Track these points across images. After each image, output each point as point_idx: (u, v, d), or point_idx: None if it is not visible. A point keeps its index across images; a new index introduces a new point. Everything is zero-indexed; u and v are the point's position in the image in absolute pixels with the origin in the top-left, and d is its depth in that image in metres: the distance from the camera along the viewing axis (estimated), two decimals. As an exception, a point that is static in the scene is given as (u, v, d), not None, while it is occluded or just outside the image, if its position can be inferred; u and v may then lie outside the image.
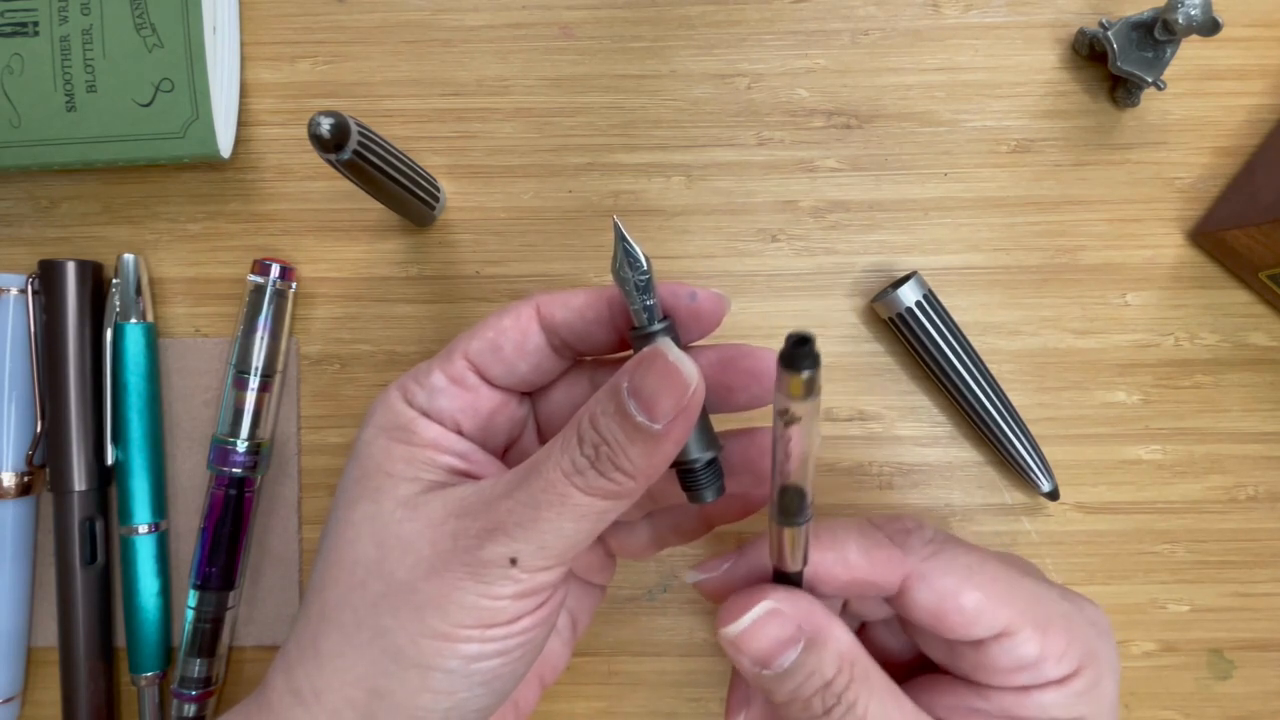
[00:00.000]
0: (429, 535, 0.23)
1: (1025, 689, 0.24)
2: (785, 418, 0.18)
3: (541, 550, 0.22)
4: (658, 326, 0.23)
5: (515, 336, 0.25)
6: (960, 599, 0.24)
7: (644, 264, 0.23)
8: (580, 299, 0.25)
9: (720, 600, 0.26)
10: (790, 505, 0.21)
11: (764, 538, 0.26)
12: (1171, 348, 0.36)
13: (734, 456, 0.26)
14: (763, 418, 0.30)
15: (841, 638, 0.23)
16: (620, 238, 0.23)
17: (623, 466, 0.21)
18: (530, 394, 0.28)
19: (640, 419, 0.21)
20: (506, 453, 0.27)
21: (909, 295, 0.34)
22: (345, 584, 0.23)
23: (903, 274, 0.35)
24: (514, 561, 0.22)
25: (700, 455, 0.24)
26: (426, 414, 0.25)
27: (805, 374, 0.17)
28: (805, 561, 0.23)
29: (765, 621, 0.23)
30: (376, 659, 0.22)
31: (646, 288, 0.23)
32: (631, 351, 0.23)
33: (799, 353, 0.17)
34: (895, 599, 0.25)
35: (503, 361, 0.25)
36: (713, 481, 0.24)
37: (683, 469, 0.24)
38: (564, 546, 0.22)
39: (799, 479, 0.20)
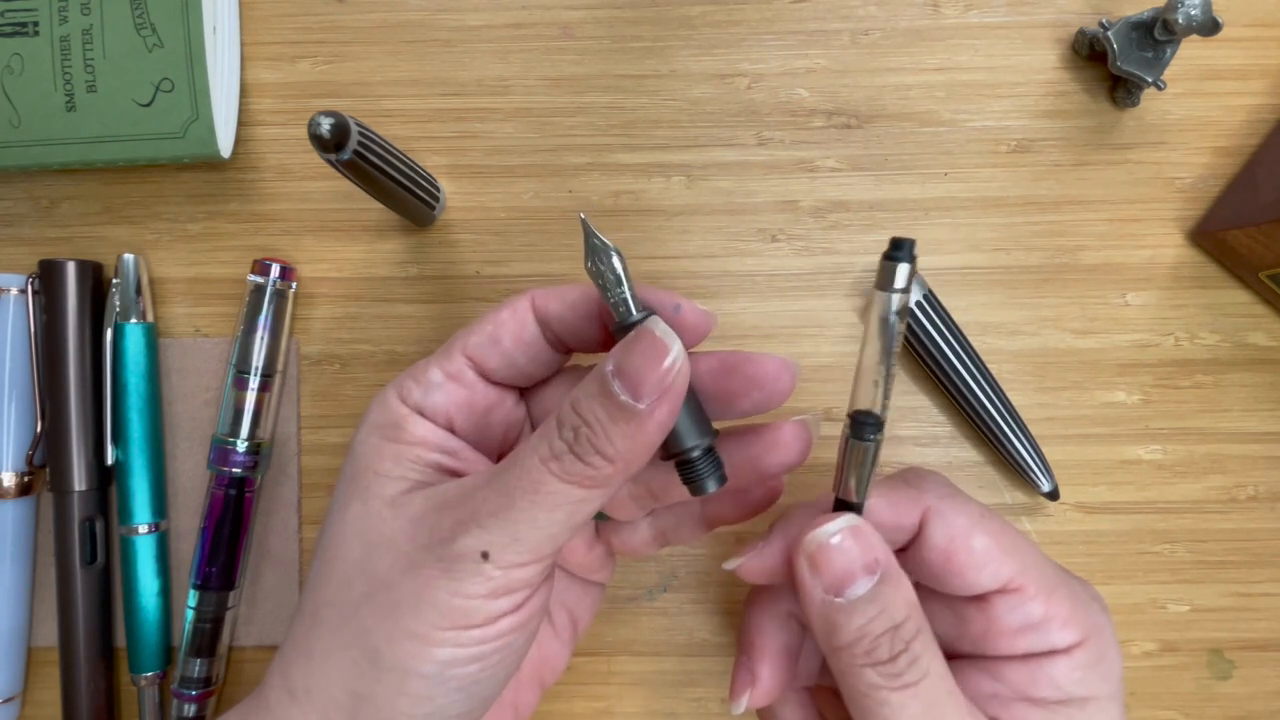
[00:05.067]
0: (409, 531, 0.23)
1: (1034, 658, 0.24)
2: (892, 310, 0.22)
3: (515, 542, 0.22)
4: (637, 317, 0.23)
5: (513, 328, 0.25)
6: (970, 540, 0.24)
7: (612, 256, 0.23)
8: (573, 293, 0.25)
9: (764, 581, 0.26)
10: (865, 419, 0.23)
11: (791, 513, 0.27)
12: (1171, 348, 0.36)
13: (735, 455, 0.26)
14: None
15: (910, 588, 0.24)
16: (588, 233, 0.23)
17: (603, 449, 0.21)
18: (526, 396, 0.28)
19: (624, 398, 0.21)
20: (501, 458, 0.27)
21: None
22: (334, 583, 0.23)
23: (903, 274, 0.35)
24: (486, 556, 0.21)
25: (696, 443, 0.24)
26: (421, 411, 0.25)
27: (904, 265, 0.22)
28: (867, 493, 0.24)
29: (849, 537, 0.23)
30: (358, 661, 0.22)
31: (619, 280, 0.23)
32: None
33: (905, 244, 0.22)
34: (912, 547, 0.25)
35: (501, 354, 0.25)
36: (712, 471, 0.24)
37: (680, 460, 0.24)
38: (538, 539, 0.22)
39: (886, 382, 0.23)
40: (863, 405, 0.23)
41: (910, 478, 0.26)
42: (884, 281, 0.22)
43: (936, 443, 0.36)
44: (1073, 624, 0.24)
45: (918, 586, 0.27)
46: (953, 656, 0.26)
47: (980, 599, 0.24)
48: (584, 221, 0.23)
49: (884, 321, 0.22)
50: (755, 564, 0.26)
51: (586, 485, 0.22)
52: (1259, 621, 0.36)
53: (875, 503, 0.25)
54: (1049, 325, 0.36)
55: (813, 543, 0.23)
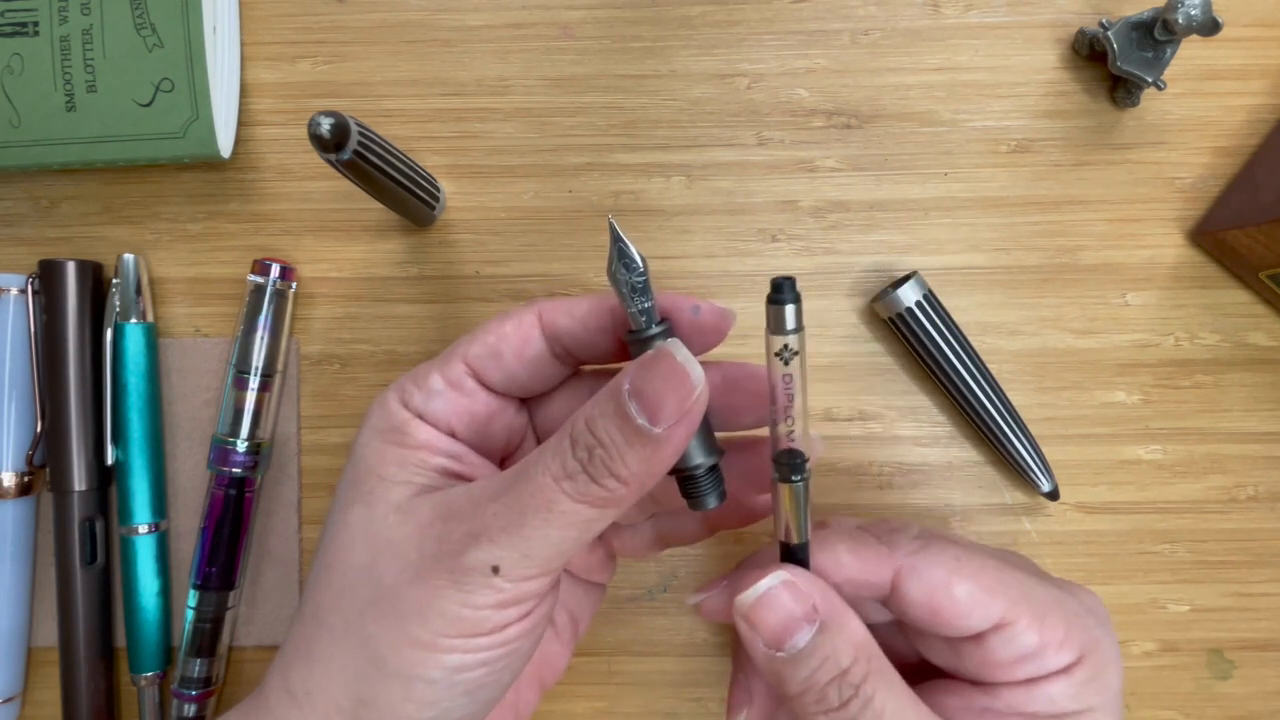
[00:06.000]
0: (416, 539, 0.22)
1: (1031, 682, 0.24)
2: (783, 355, 0.21)
3: (525, 558, 0.21)
4: (655, 330, 0.23)
5: (516, 343, 0.25)
6: (952, 590, 0.24)
7: (639, 265, 0.22)
8: (584, 307, 0.24)
9: (723, 619, 0.26)
10: (788, 461, 0.23)
11: (760, 553, 0.27)
12: (1171, 348, 0.36)
13: (735, 466, 0.26)
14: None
15: (856, 628, 0.23)
16: (615, 238, 0.22)
17: (617, 472, 0.21)
18: (529, 403, 0.27)
19: (640, 421, 0.21)
20: (504, 462, 0.27)
21: (909, 295, 0.34)
22: (338, 587, 0.23)
23: (903, 274, 0.35)
24: (496, 569, 0.21)
25: (702, 461, 0.23)
26: (422, 416, 0.25)
27: (790, 306, 0.21)
28: (808, 533, 0.24)
29: (779, 593, 0.23)
30: (362, 666, 0.22)
31: (643, 290, 0.22)
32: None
33: (785, 285, 0.21)
34: (891, 599, 0.25)
35: (502, 368, 0.25)
36: (714, 488, 0.24)
37: (683, 476, 0.24)
38: (549, 555, 0.22)
39: (797, 421, 0.22)
40: (782, 445, 0.23)
41: (882, 532, 0.26)
42: (775, 325, 0.22)
43: (936, 443, 0.36)
44: (1068, 645, 0.24)
45: (901, 624, 0.27)
46: (951, 676, 0.26)
47: (974, 637, 0.24)
48: (613, 226, 0.23)
49: (783, 361, 0.22)
50: (713, 605, 0.26)
51: (599, 505, 0.21)
52: (1259, 621, 0.36)
53: (846, 559, 0.25)
54: (1049, 325, 0.36)
55: (745, 602, 0.23)
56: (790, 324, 0.21)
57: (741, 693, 0.27)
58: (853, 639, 0.23)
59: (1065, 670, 0.24)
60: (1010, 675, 0.24)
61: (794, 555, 0.24)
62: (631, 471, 0.21)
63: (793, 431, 0.23)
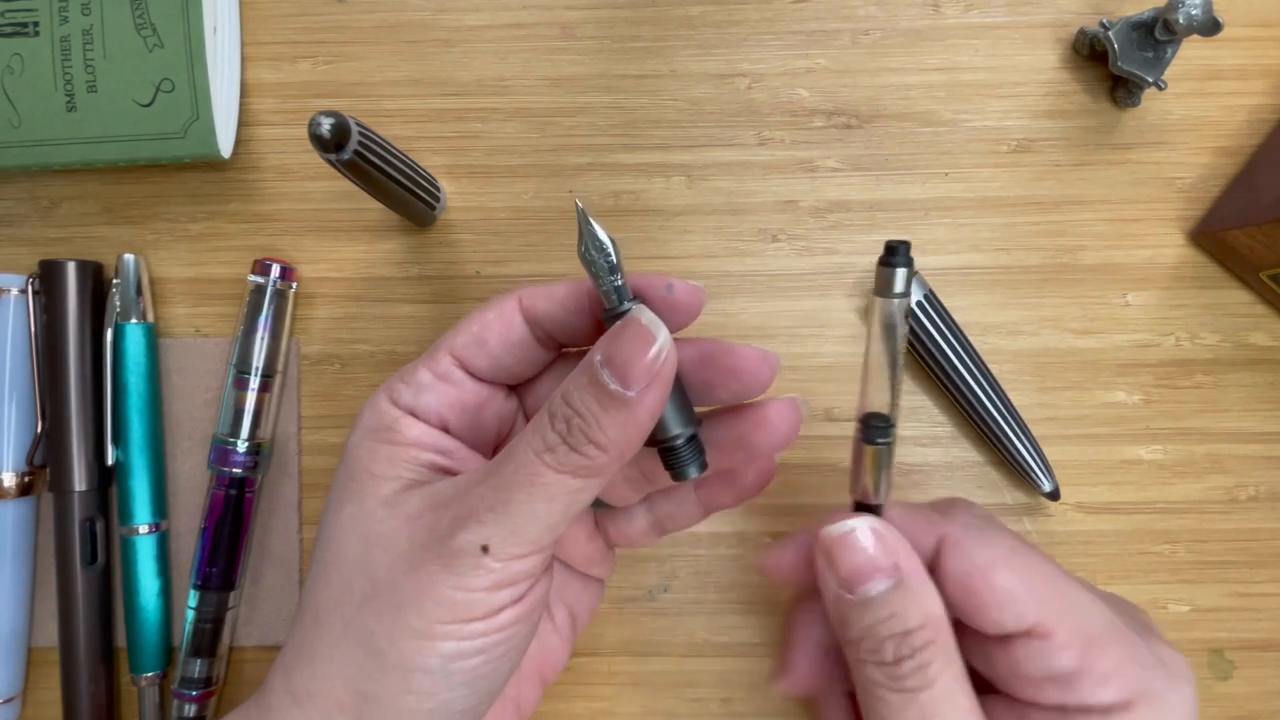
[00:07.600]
0: (406, 530, 0.23)
1: (1062, 711, 0.23)
2: (895, 314, 0.22)
3: (514, 535, 0.22)
4: (627, 306, 0.23)
5: (499, 330, 0.25)
6: (992, 575, 0.23)
7: (608, 245, 0.23)
8: (562, 290, 0.25)
9: (784, 577, 0.27)
10: (875, 423, 0.23)
11: (811, 527, 0.27)
12: (1172, 348, 0.36)
13: (723, 433, 0.26)
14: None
15: (933, 601, 0.23)
16: (583, 220, 0.23)
17: (595, 439, 0.21)
18: (518, 389, 0.28)
19: (614, 387, 0.21)
20: (497, 451, 0.27)
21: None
22: (335, 585, 0.23)
23: (903, 274, 0.35)
24: (486, 549, 0.22)
25: (680, 431, 0.24)
26: (413, 412, 0.25)
27: (900, 270, 0.22)
28: (885, 495, 0.24)
29: (866, 536, 0.23)
30: (361, 662, 0.22)
31: (613, 269, 0.23)
32: None
33: (899, 249, 0.22)
34: (932, 571, 0.24)
35: (488, 354, 0.25)
36: (694, 458, 0.24)
37: (663, 447, 0.24)
38: (537, 531, 0.22)
39: (892, 387, 0.23)
40: (872, 408, 0.23)
41: (941, 504, 0.26)
42: (883, 287, 0.22)
43: (937, 443, 0.36)
44: (1116, 683, 0.22)
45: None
46: (990, 689, 0.25)
47: (1004, 640, 0.23)
48: (580, 209, 0.23)
49: (887, 325, 0.22)
50: (775, 560, 0.27)
51: (582, 475, 0.22)
52: (1259, 621, 0.36)
53: (895, 516, 0.25)
54: (1049, 325, 0.36)
55: (828, 536, 0.24)
56: (899, 287, 0.22)
57: (784, 663, 0.27)
58: (926, 608, 0.23)
59: (1104, 710, 0.22)
60: (1036, 695, 0.23)
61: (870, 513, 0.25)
62: (610, 438, 0.21)
63: (889, 393, 0.23)
